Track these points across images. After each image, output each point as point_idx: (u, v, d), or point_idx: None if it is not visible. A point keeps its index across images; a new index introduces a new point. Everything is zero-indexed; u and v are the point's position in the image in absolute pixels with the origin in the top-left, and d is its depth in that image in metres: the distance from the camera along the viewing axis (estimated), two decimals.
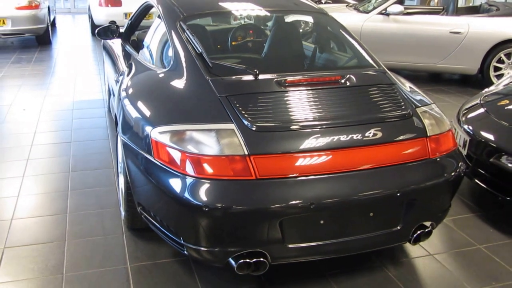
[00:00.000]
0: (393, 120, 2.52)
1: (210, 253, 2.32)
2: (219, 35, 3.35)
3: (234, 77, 2.63)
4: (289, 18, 3.55)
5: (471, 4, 8.89)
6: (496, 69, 6.43)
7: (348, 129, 2.39)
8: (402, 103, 2.63)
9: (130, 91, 2.89)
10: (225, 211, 2.19)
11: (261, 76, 2.60)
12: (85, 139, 4.63)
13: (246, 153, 2.24)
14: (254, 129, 2.31)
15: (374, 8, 6.89)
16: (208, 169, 2.23)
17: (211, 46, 3.19)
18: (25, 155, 4.25)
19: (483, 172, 3.31)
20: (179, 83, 2.69)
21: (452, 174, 2.57)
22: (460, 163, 2.64)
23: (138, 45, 3.93)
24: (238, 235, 2.28)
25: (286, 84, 2.57)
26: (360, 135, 2.38)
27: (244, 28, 3.59)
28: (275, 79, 2.58)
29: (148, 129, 2.45)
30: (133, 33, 4.20)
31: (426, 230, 2.59)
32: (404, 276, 2.75)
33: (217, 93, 2.49)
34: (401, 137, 2.48)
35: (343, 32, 3.32)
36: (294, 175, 2.26)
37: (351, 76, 2.73)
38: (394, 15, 6.68)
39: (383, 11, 6.74)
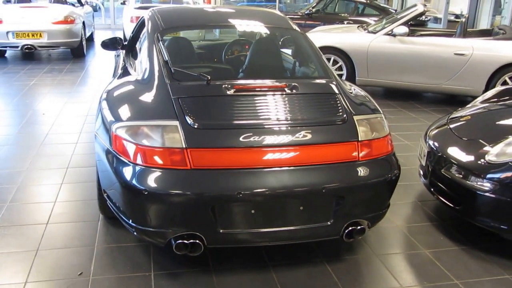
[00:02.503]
0: (325, 124, 2.79)
1: (153, 233, 2.65)
2: (193, 45, 3.69)
3: (190, 82, 2.97)
4: (259, 33, 3.88)
5: (497, 26, 8.93)
6: None
7: (279, 130, 2.69)
8: (339, 110, 2.89)
9: (108, 93, 3.28)
10: (162, 195, 2.53)
11: (213, 82, 2.93)
12: (90, 141, 5.06)
13: (184, 146, 2.56)
14: (195, 126, 2.64)
15: (383, 28, 7.11)
16: (151, 159, 2.57)
17: (183, 55, 3.54)
18: (33, 151, 4.72)
19: (437, 182, 3.49)
20: (145, 86, 3.05)
21: (382, 177, 2.80)
22: (392, 168, 2.86)
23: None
24: (175, 217, 2.60)
25: (234, 90, 2.89)
26: (290, 135, 2.67)
27: (216, 40, 3.94)
28: (224, 85, 2.91)
29: (111, 124, 2.82)
30: (134, 45, 4.62)
31: (359, 227, 2.82)
32: (342, 271, 2.97)
33: (172, 95, 2.84)
34: (330, 140, 2.74)
35: (307, 48, 3.58)
36: (226, 167, 2.57)
37: (298, 85, 3.02)
38: (400, 36, 6.88)
39: (390, 32, 6.95)
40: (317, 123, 2.78)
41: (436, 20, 13.27)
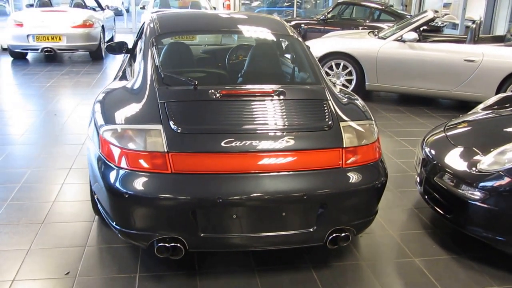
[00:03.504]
0: (309, 130, 2.79)
1: (135, 236, 2.69)
2: (196, 50, 3.73)
3: (178, 87, 3.01)
4: (255, 39, 3.89)
5: (510, 32, 8.76)
6: None
7: (262, 136, 2.70)
8: (325, 117, 2.88)
9: (101, 96, 3.34)
10: (143, 199, 2.57)
11: (201, 87, 2.96)
12: None
13: (166, 150, 2.60)
14: (178, 131, 2.67)
15: (392, 34, 7.06)
16: (134, 162, 2.62)
17: (179, 60, 3.57)
18: (39, 151, 4.85)
19: (430, 190, 3.45)
20: (135, 91, 3.11)
21: (366, 184, 2.79)
22: (378, 175, 2.84)
23: None
24: (156, 221, 2.64)
25: (220, 95, 2.91)
26: (272, 141, 2.68)
27: (211, 46, 3.98)
28: (211, 90, 2.93)
29: (99, 127, 2.88)
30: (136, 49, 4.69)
31: (343, 234, 2.81)
32: (327, 278, 2.96)
33: (159, 99, 2.88)
34: (314, 146, 2.74)
35: (302, 54, 3.56)
36: (206, 172, 2.59)
37: (286, 90, 3.02)
38: (410, 42, 6.82)
39: (399, 38, 6.90)
40: (301, 129, 2.79)
41: (455, 26, 13.09)
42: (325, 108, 2.97)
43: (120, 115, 2.91)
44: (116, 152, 2.68)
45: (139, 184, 2.58)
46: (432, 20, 7.03)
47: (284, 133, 2.73)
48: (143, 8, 14.40)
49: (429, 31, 10.44)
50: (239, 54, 3.76)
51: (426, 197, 3.52)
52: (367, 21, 10.95)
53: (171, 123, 2.70)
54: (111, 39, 12.32)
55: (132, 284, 2.83)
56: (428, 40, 7.56)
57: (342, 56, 7.22)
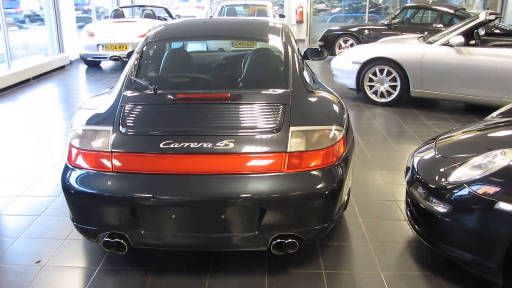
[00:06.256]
0: (252, 134, 2.79)
1: (85, 230, 2.87)
2: (181, 57, 3.86)
3: (140, 91, 3.15)
4: (242, 44, 3.94)
5: None
6: None
7: (202, 139, 2.74)
8: (275, 121, 2.86)
9: (86, 100, 3.58)
10: (85, 195, 2.74)
11: (161, 91, 3.08)
12: None
13: (110, 150, 2.75)
14: (126, 132, 2.82)
15: (440, 39, 6.72)
16: (82, 161, 2.81)
17: (166, 66, 3.70)
18: (52, 161, 5.21)
19: (408, 201, 3.28)
20: (109, 94, 3.31)
21: (310, 190, 2.72)
22: (327, 182, 2.75)
23: None
24: (100, 217, 2.79)
25: (177, 99, 3.01)
26: (211, 144, 2.72)
27: (206, 53, 4.07)
28: (168, 94, 3.03)
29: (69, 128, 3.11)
30: None
31: (289, 241, 2.77)
32: (278, 285, 2.92)
33: (120, 103, 3.04)
34: (254, 150, 2.73)
35: (283, 58, 3.52)
36: (143, 171, 2.70)
37: (244, 95, 3.04)
38: (457, 46, 6.45)
39: (446, 42, 6.54)
40: (244, 133, 2.80)
41: None
42: (279, 112, 2.94)
43: (85, 117, 3.10)
44: (73, 152, 2.89)
45: (83, 181, 2.76)
46: (483, 23, 6.58)
47: (226, 136, 2.75)
48: (211, 17, 14.89)
49: (502, 35, 9.76)
50: (225, 60, 3.84)
51: (408, 209, 3.35)
52: (438, 26, 10.38)
53: (121, 125, 2.85)
54: None
55: (90, 275, 3.00)
56: (488, 45, 7.08)
57: (386, 62, 6.99)
